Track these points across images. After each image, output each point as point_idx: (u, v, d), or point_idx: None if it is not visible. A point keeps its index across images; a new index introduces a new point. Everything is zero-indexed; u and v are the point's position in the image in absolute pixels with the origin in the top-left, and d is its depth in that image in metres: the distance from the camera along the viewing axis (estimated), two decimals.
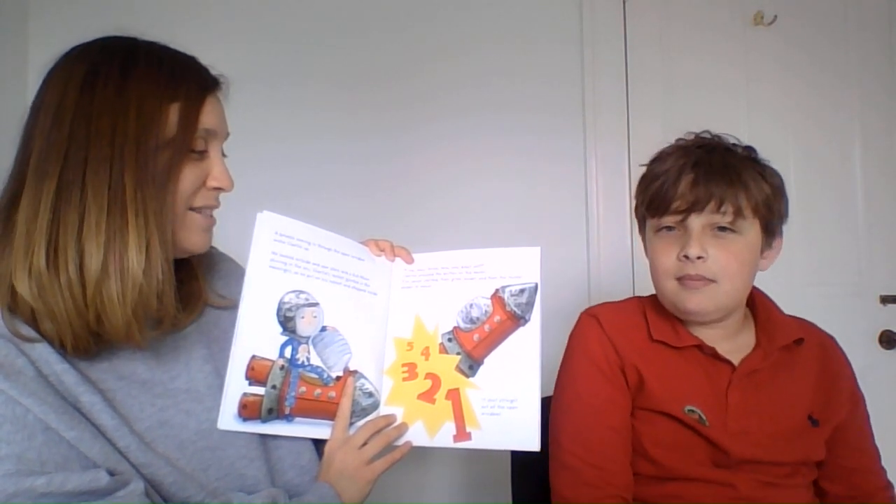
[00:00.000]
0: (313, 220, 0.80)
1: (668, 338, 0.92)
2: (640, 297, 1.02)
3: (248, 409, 0.72)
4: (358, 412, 0.80)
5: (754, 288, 0.94)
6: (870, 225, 1.65)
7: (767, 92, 1.66)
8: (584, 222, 1.66)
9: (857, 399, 0.94)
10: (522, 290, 0.83)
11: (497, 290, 0.84)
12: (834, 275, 1.65)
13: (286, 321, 0.76)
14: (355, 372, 0.81)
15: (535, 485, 1.02)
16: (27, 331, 0.61)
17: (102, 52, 0.66)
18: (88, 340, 0.62)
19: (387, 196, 1.70)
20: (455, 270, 0.86)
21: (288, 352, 0.76)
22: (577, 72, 1.66)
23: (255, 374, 0.73)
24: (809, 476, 0.92)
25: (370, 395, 0.82)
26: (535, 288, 0.83)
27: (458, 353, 0.83)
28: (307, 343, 0.78)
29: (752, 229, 0.86)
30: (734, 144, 0.91)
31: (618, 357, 0.92)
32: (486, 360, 0.82)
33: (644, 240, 0.98)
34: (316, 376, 0.78)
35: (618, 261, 1.64)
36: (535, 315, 0.82)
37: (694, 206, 0.85)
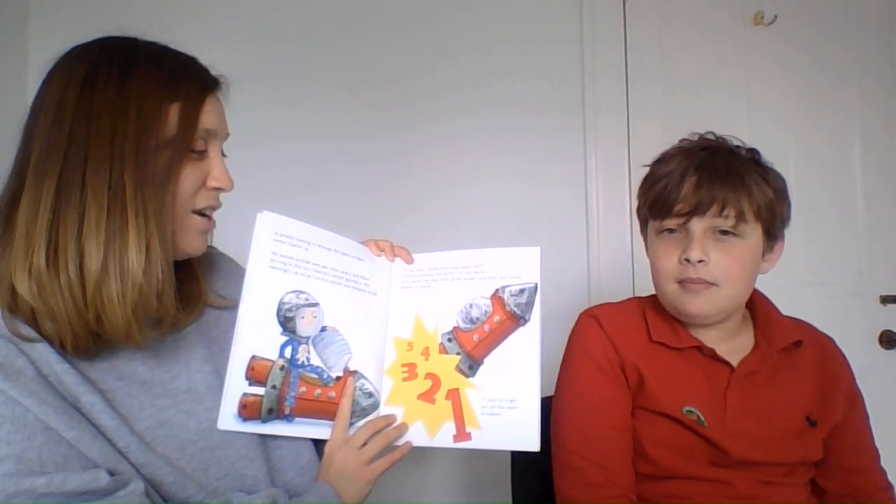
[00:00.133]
0: (313, 220, 0.80)
1: (667, 339, 0.92)
2: (639, 298, 1.02)
3: (248, 410, 0.72)
4: (358, 412, 0.80)
5: (754, 289, 0.94)
6: (870, 225, 1.65)
7: (767, 92, 1.66)
8: (584, 222, 1.66)
9: (854, 399, 0.94)
10: (522, 290, 0.83)
11: (497, 290, 0.84)
12: (834, 275, 1.65)
13: (286, 321, 0.76)
14: (355, 372, 0.81)
15: (535, 485, 1.02)
16: (27, 331, 0.61)
17: (102, 52, 0.66)
18: (88, 340, 0.62)
19: (387, 196, 1.70)
20: (455, 270, 0.86)
21: (288, 352, 0.76)
22: (577, 72, 1.66)
23: (255, 374, 0.73)
24: (807, 475, 0.92)
25: (370, 395, 0.82)
26: (535, 288, 0.83)
27: (457, 353, 0.83)
28: (307, 343, 0.78)
29: (753, 233, 0.86)
30: (738, 146, 0.90)
31: (618, 356, 0.92)
32: (486, 360, 0.82)
33: (645, 240, 0.98)
34: (316, 376, 0.78)
35: (618, 261, 1.64)
36: (535, 315, 0.82)
37: (696, 210, 0.85)
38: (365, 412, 0.81)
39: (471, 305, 0.84)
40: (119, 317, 0.61)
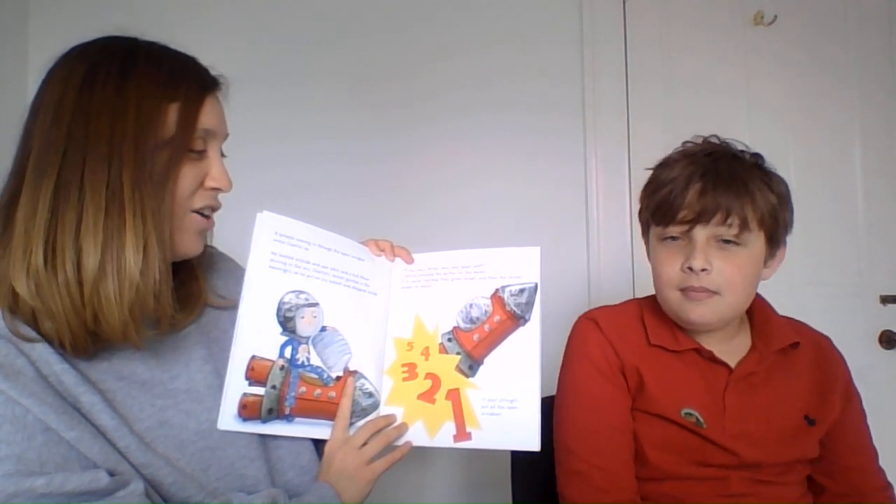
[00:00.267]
0: (313, 220, 0.80)
1: (665, 342, 0.92)
2: (637, 300, 1.02)
3: (248, 410, 0.72)
4: (358, 412, 0.80)
5: None
6: (870, 225, 1.64)
7: (767, 92, 1.66)
8: (584, 222, 1.66)
9: (850, 396, 0.94)
10: (522, 290, 0.83)
11: (497, 290, 0.84)
12: (834, 275, 1.65)
13: (286, 321, 0.76)
14: (355, 372, 0.81)
15: (536, 485, 1.02)
16: (27, 331, 0.61)
17: (102, 51, 0.66)
18: (86, 340, 0.62)
19: (387, 196, 1.70)
20: (455, 270, 0.86)
21: (288, 352, 0.76)
22: (577, 72, 1.66)
23: (255, 374, 0.73)
24: (803, 473, 0.93)
25: (370, 395, 0.82)
26: (535, 288, 0.83)
27: (458, 353, 0.83)
28: (307, 343, 0.78)
29: (756, 241, 0.86)
30: (742, 151, 0.90)
31: (618, 359, 0.92)
32: (486, 360, 0.82)
33: (647, 244, 0.97)
34: (316, 376, 0.78)
35: (618, 261, 1.64)
36: (535, 315, 0.82)
37: (700, 218, 0.84)
38: (365, 412, 0.81)
39: (471, 305, 0.84)
40: (116, 316, 0.61)
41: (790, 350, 0.93)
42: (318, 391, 0.78)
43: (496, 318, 0.83)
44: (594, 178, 1.65)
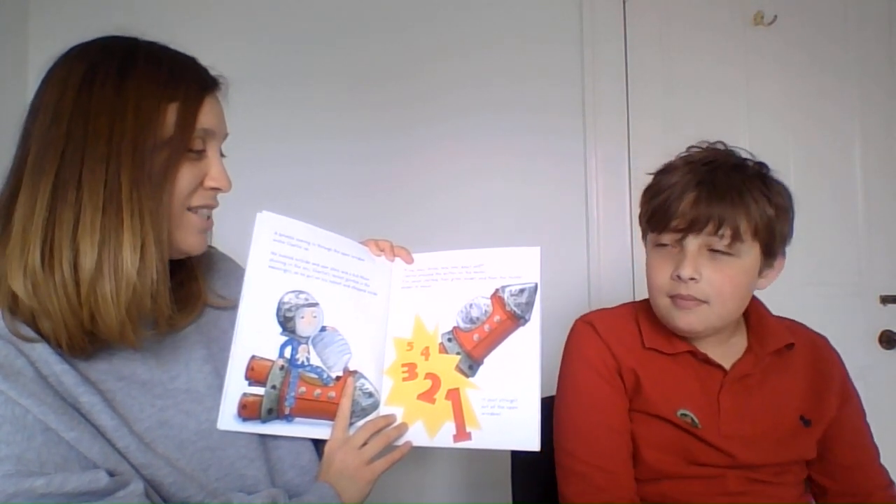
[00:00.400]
0: (313, 220, 0.80)
1: (660, 345, 0.93)
2: (633, 304, 1.02)
3: (248, 410, 0.72)
4: (358, 412, 0.80)
5: None
6: (870, 225, 1.64)
7: (767, 92, 1.66)
8: (584, 223, 1.65)
9: (848, 395, 0.94)
10: (522, 290, 0.83)
11: (497, 290, 0.84)
12: (834, 275, 1.65)
13: (286, 321, 0.76)
14: (355, 372, 0.81)
15: (536, 485, 1.03)
16: (27, 331, 0.61)
17: (102, 51, 0.65)
18: (83, 340, 0.62)
19: (387, 196, 1.70)
20: (455, 270, 0.86)
21: (288, 352, 0.76)
22: (577, 72, 1.66)
23: (255, 374, 0.73)
24: (801, 474, 0.93)
25: (370, 395, 0.81)
26: (535, 288, 0.83)
27: (457, 353, 0.83)
28: (307, 343, 0.78)
29: (750, 252, 0.85)
30: (745, 160, 0.89)
31: (615, 361, 0.93)
32: (486, 360, 0.82)
33: (646, 247, 0.97)
34: (316, 376, 0.78)
35: (618, 261, 1.64)
36: (535, 315, 0.82)
37: (692, 227, 0.84)
38: (365, 412, 0.81)
39: (471, 305, 0.84)
40: (113, 316, 0.61)
41: (785, 351, 0.93)
42: (318, 391, 0.78)
43: (496, 318, 0.83)
44: (594, 179, 1.65)
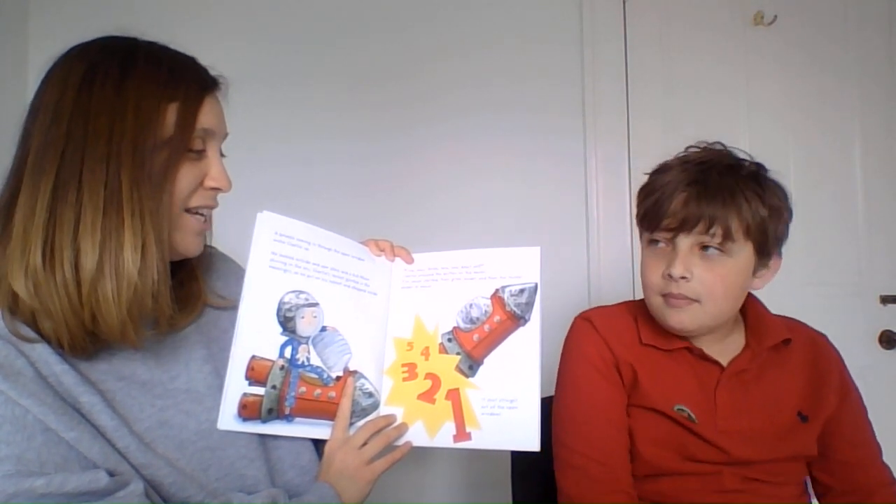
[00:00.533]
0: (313, 220, 0.80)
1: (657, 342, 0.93)
2: (631, 302, 1.03)
3: (248, 410, 0.72)
4: (358, 412, 0.80)
5: None
6: (870, 225, 1.64)
7: (767, 92, 1.66)
8: (584, 222, 1.66)
9: (847, 392, 0.94)
10: (522, 290, 0.83)
11: (497, 290, 0.84)
12: (834, 275, 1.65)
13: (286, 321, 0.76)
14: (355, 372, 0.81)
15: (536, 485, 1.03)
16: (27, 331, 0.61)
17: (102, 51, 0.66)
18: (85, 340, 0.62)
19: (387, 196, 1.70)
20: (455, 270, 0.86)
21: (288, 352, 0.76)
22: (577, 72, 1.66)
23: (255, 374, 0.73)
24: (800, 473, 0.93)
25: (370, 395, 0.82)
26: (535, 288, 0.83)
27: (457, 353, 0.83)
28: (307, 343, 0.78)
29: (742, 251, 0.86)
30: (742, 160, 0.89)
31: (612, 356, 0.93)
32: (486, 360, 0.82)
33: (641, 246, 0.98)
34: (316, 376, 0.78)
35: (618, 261, 1.64)
36: (535, 315, 0.82)
37: (683, 226, 0.85)
38: (365, 412, 0.81)
39: (471, 305, 0.84)
40: (114, 316, 0.61)
41: (783, 347, 0.93)
42: (318, 391, 0.78)
43: (496, 318, 0.83)
44: (594, 179, 1.65)
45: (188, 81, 0.67)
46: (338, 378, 0.79)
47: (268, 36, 1.74)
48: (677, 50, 1.68)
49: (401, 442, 0.81)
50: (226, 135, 0.74)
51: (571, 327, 1.00)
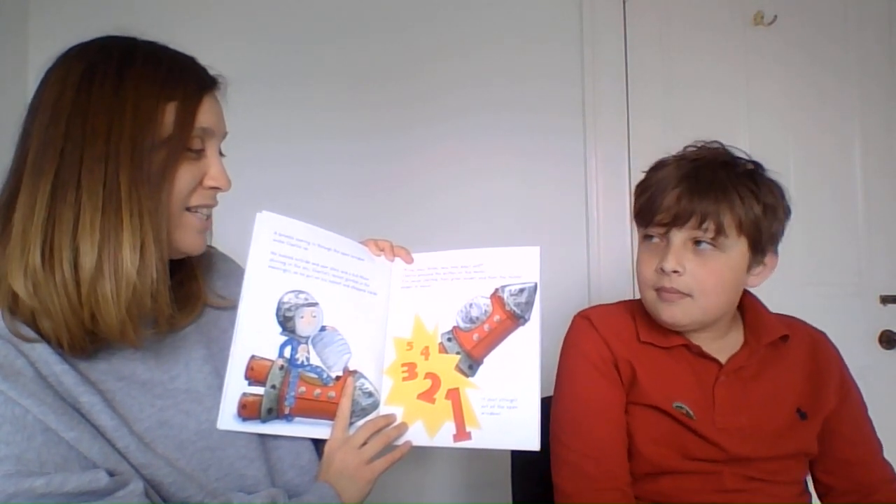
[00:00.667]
0: (313, 220, 0.80)
1: (655, 339, 0.94)
2: (630, 301, 1.03)
3: (248, 409, 0.72)
4: (358, 412, 0.80)
5: (744, 290, 0.94)
6: (870, 225, 1.65)
7: (767, 92, 1.66)
8: (584, 222, 1.66)
9: (847, 390, 0.94)
10: (522, 290, 0.83)
11: (496, 290, 0.84)
12: (834, 275, 1.65)
13: (285, 321, 0.76)
14: (355, 372, 0.81)
15: (535, 485, 1.02)
16: (27, 331, 0.61)
17: (100, 51, 0.66)
18: (84, 339, 0.62)
19: (387, 196, 1.70)
20: (454, 270, 0.86)
21: (287, 352, 0.76)
22: (577, 72, 1.66)
23: (255, 373, 0.73)
24: (800, 473, 0.93)
25: (370, 394, 0.81)
26: (535, 288, 0.83)
27: (457, 353, 0.83)
28: (307, 343, 0.78)
29: (735, 247, 0.86)
30: (738, 158, 0.90)
31: (611, 354, 0.94)
32: (486, 360, 0.82)
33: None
34: (315, 376, 0.78)
35: (618, 261, 1.64)
36: (535, 315, 0.82)
37: (676, 221, 0.86)
38: (365, 412, 0.81)
39: (470, 305, 0.84)
40: (113, 316, 0.61)
41: (781, 344, 0.94)
42: (318, 391, 0.78)
43: (496, 317, 0.83)
44: (594, 178, 1.65)
45: (187, 81, 0.67)
46: (337, 378, 0.79)
47: (268, 36, 1.74)
48: (677, 50, 1.68)
49: (400, 441, 0.81)
50: (225, 134, 0.74)
51: (571, 325, 1.00)
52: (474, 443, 0.79)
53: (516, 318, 0.82)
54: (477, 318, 0.83)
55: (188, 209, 0.69)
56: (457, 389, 0.81)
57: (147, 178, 0.63)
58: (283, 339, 0.76)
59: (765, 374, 0.92)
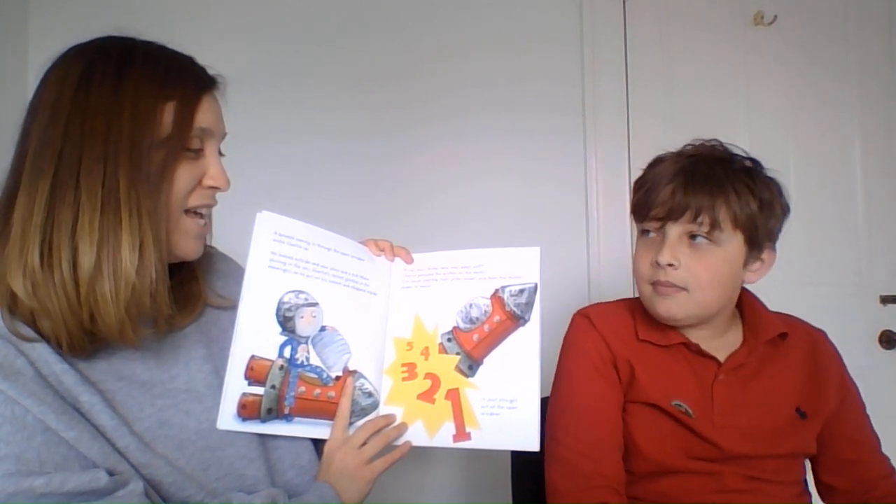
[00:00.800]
0: (313, 220, 0.80)
1: (654, 337, 0.94)
2: (630, 299, 1.03)
3: (248, 409, 0.72)
4: (357, 412, 0.80)
5: (742, 288, 0.94)
6: (870, 225, 1.65)
7: (767, 92, 1.66)
8: (584, 222, 1.66)
9: (847, 389, 0.95)
10: (522, 291, 0.83)
11: (497, 290, 0.84)
12: (834, 275, 1.65)
13: (285, 321, 0.76)
14: (355, 372, 0.81)
15: (535, 485, 1.02)
16: (27, 331, 0.61)
17: (99, 51, 0.66)
18: (83, 339, 0.62)
19: (387, 196, 1.70)
20: (454, 270, 0.86)
21: (287, 352, 0.76)
22: (577, 72, 1.67)
23: (255, 373, 0.73)
24: (800, 472, 0.93)
25: (370, 394, 0.81)
26: (535, 288, 0.83)
27: (457, 353, 0.83)
28: (306, 343, 0.78)
29: (731, 242, 0.86)
30: (736, 155, 0.90)
31: (610, 352, 0.94)
32: (486, 360, 0.82)
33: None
34: (315, 376, 0.78)
35: (618, 261, 1.64)
36: (535, 315, 0.82)
37: (671, 215, 0.86)
38: (364, 412, 0.81)
39: (470, 305, 0.84)
40: (112, 315, 0.61)
41: (780, 343, 0.94)
42: (318, 391, 0.78)
43: (496, 318, 0.83)
44: (594, 178, 1.65)
45: (185, 80, 0.67)
46: (337, 378, 0.79)
47: (268, 36, 1.74)
48: (677, 50, 1.68)
49: (400, 442, 0.81)
50: (224, 134, 0.74)
51: (570, 324, 1.01)
52: (474, 443, 0.79)
53: (516, 319, 0.82)
54: (477, 318, 0.83)
55: (187, 212, 0.69)
56: (456, 390, 0.81)
57: (146, 178, 0.63)
58: (283, 339, 0.76)
59: (764, 372, 0.92)
